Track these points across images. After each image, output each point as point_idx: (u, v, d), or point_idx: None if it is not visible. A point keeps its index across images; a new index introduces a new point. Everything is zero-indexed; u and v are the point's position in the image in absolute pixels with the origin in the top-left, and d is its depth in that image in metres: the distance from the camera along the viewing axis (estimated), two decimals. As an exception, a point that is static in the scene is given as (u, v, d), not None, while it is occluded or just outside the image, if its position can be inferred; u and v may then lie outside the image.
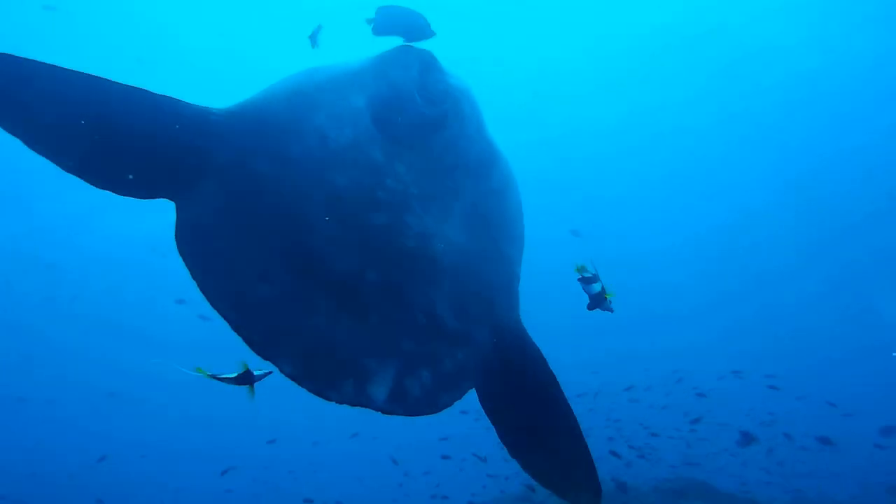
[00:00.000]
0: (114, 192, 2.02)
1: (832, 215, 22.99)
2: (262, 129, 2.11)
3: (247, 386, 2.90)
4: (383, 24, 2.29)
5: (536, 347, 2.35)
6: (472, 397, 2.33)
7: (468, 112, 2.30)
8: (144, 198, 2.09)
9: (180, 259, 2.03)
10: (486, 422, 2.31)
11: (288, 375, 2.03)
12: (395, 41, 2.33)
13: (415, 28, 2.27)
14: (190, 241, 2.05)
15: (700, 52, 18.66)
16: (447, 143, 2.23)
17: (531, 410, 2.31)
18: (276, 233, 2.09)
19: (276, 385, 2.90)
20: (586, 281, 3.41)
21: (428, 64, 2.24)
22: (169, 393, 25.70)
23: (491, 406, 2.32)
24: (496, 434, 2.31)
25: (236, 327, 2.03)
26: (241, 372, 2.91)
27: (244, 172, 2.10)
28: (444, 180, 2.23)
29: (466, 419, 10.01)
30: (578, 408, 2.32)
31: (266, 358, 2.03)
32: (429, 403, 2.18)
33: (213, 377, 2.97)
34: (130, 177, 2.04)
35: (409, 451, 19.54)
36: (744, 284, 26.12)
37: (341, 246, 2.09)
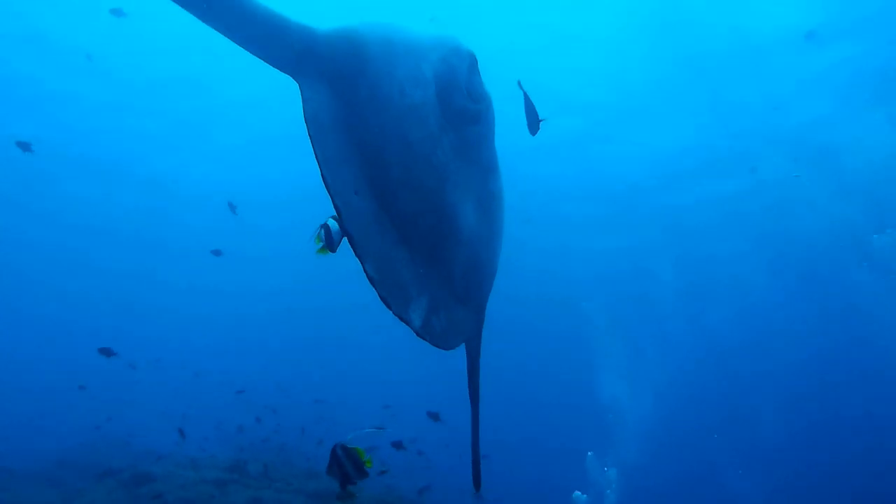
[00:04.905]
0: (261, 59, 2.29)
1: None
2: (362, 59, 2.31)
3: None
4: (528, 100, 3.06)
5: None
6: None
7: (491, 119, 2.69)
8: (280, 70, 2.31)
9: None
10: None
11: (368, 277, 2.25)
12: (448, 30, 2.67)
13: (535, 119, 2.93)
14: (315, 130, 2.21)
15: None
16: (475, 138, 2.58)
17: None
18: (367, 155, 2.31)
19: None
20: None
21: (474, 65, 2.56)
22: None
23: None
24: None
25: (341, 218, 2.22)
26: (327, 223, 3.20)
27: (351, 90, 2.30)
28: (467, 168, 2.56)
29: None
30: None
31: (356, 255, 2.25)
32: (445, 340, 2.53)
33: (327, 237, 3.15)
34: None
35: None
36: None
37: (405, 189, 2.36)
